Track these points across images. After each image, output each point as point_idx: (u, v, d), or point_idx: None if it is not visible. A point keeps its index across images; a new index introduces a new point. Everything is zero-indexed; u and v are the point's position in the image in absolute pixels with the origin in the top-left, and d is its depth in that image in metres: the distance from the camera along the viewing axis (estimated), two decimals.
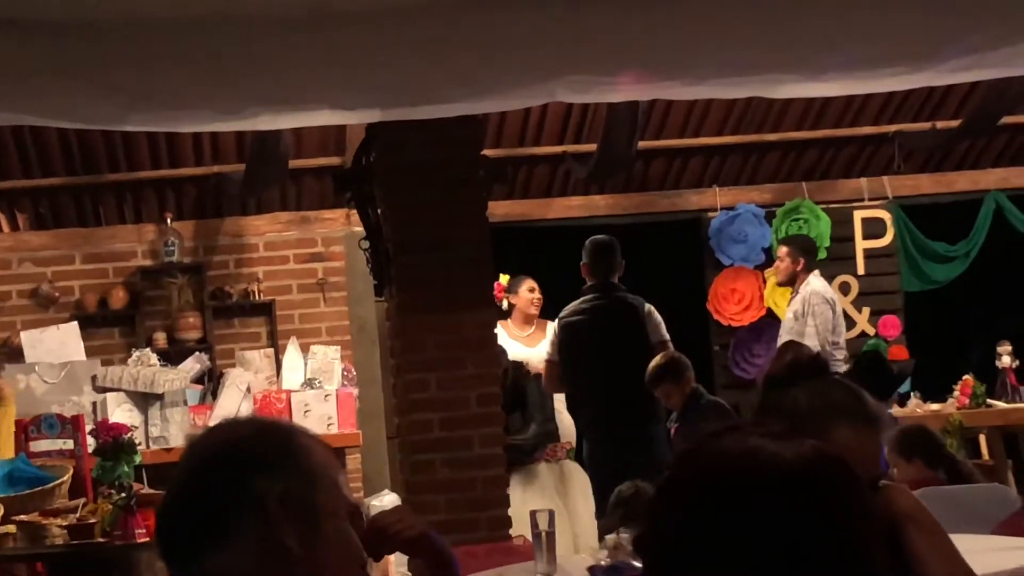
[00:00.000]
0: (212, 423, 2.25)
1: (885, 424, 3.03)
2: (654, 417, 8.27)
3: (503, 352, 8.61)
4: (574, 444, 8.83)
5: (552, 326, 8.75)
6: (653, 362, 8.03)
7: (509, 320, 9.54)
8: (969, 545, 4.69)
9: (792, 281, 9.46)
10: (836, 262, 10.78)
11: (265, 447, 2.04)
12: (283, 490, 1.99)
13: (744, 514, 1.68)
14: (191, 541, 1.99)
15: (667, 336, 8.51)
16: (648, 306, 8.55)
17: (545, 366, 8.68)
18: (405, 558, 7.62)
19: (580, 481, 8.49)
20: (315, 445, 2.10)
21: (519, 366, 8.48)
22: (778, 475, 1.71)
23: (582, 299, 8.55)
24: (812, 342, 8.85)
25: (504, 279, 9.68)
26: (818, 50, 5.61)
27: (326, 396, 9.42)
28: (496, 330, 9.04)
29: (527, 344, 9.30)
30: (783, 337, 9.04)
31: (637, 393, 8.15)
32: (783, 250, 9.57)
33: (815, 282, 9.49)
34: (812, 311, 9.27)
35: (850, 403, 3.01)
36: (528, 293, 9.50)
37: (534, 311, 9.49)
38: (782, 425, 1.80)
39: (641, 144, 9.35)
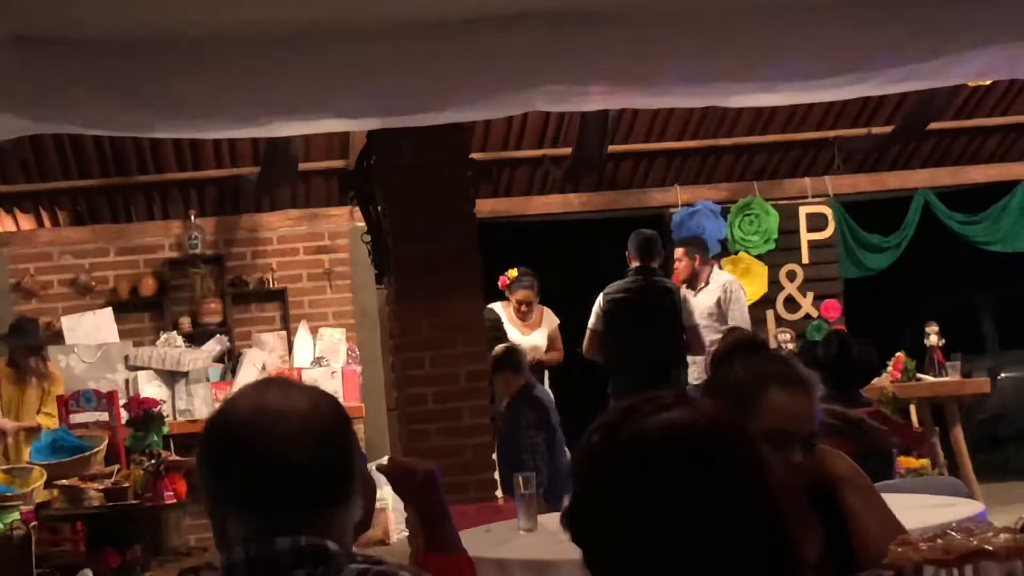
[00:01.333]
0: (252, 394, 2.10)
1: (815, 386, 3.02)
2: (677, 384, 8.23)
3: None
4: None
5: (598, 300, 8.69)
6: (496, 351, 7.99)
7: (510, 307, 9.49)
8: (902, 502, 4.69)
9: (695, 277, 9.43)
10: (784, 252, 10.78)
11: (349, 423, 2.04)
12: (360, 457, 2.05)
13: (652, 477, 1.66)
14: (320, 504, 1.94)
15: (696, 321, 8.54)
16: (683, 292, 8.62)
17: (588, 335, 8.65)
18: (404, 518, 7.60)
19: None
20: None
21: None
22: (683, 438, 1.69)
23: (627, 279, 8.55)
24: (739, 324, 8.89)
25: (512, 274, 9.54)
26: (767, 64, 5.61)
27: (333, 373, 9.43)
28: (499, 311, 9.13)
29: (523, 331, 9.25)
30: (703, 323, 9.01)
31: (665, 363, 8.20)
32: (679, 251, 9.53)
33: (724, 273, 9.53)
34: (734, 297, 9.29)
35: (779, 369, 2.99)
36: (516, 303, 9.35)
37: (517, 317, 9.39)
38: (674, 397, 1.78)
39: (611, 148, 9.35)
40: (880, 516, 2.91)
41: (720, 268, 9.63)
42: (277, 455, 1.93)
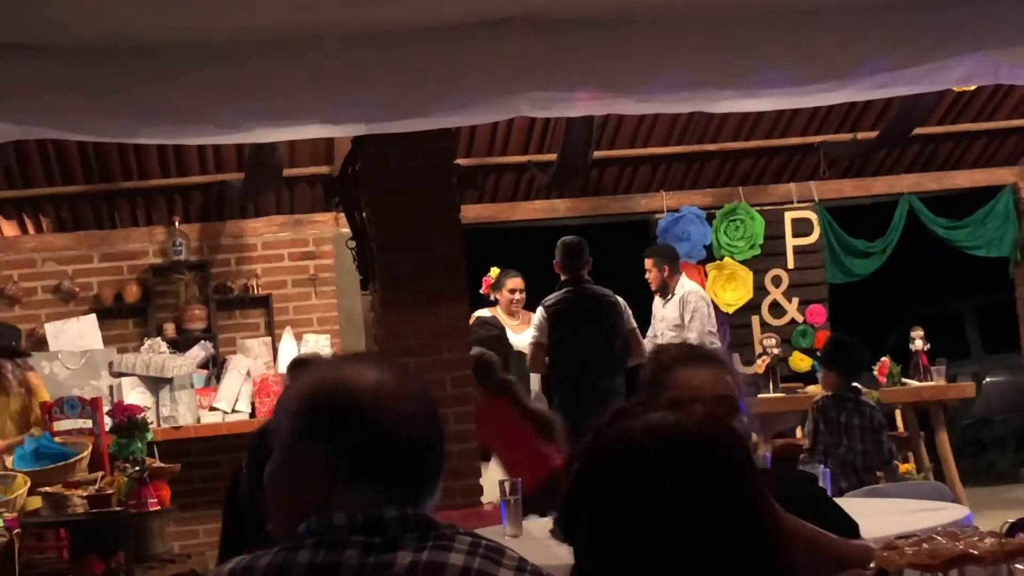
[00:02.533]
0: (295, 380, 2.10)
1: (723, 360, 3.25)
2: (612, 393, 8.23)
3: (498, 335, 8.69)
4: None
5: (539, 312, 8.71)
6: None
7: (499, 308, 9.52)
8: (887, 507, 4.70)
9: (665, 287, 9.49)
10: (769, 257, 10.81)
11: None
12: None
13: (658, 480, 1.68)
14: (434, 478, 2.01)
15: (634, 324, 8.59)
16: (619, 298, 8.62)
17: (531, 348, 8.67)
18: None
19: None
20: None
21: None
22: (682, 441, 1.71)
23: (563, 290, 8.57)
24: (693, 336, 8.98)
25: (494, 272, 9.62)
26: (752, 70, 5.63)
27: None
28: (488, 316, 9.14)
29: (515, 331, 9.26)
30: (670, 334, 9.12)
31: (606, 370, 8.22)
32: (648, 262, 9.59)
33: (688, 283, 9.57)
34: (693, 308, 9.34)
35: (682, 351, 3.32)
36: (509, 293, 9.45)
37: (515, 309, 9.45)
38: (663, 400, 1.83)
39: (596, 153, 9.35)
40: None
41: (686, 277, 9.70)
42: (405, 430, 1.98)
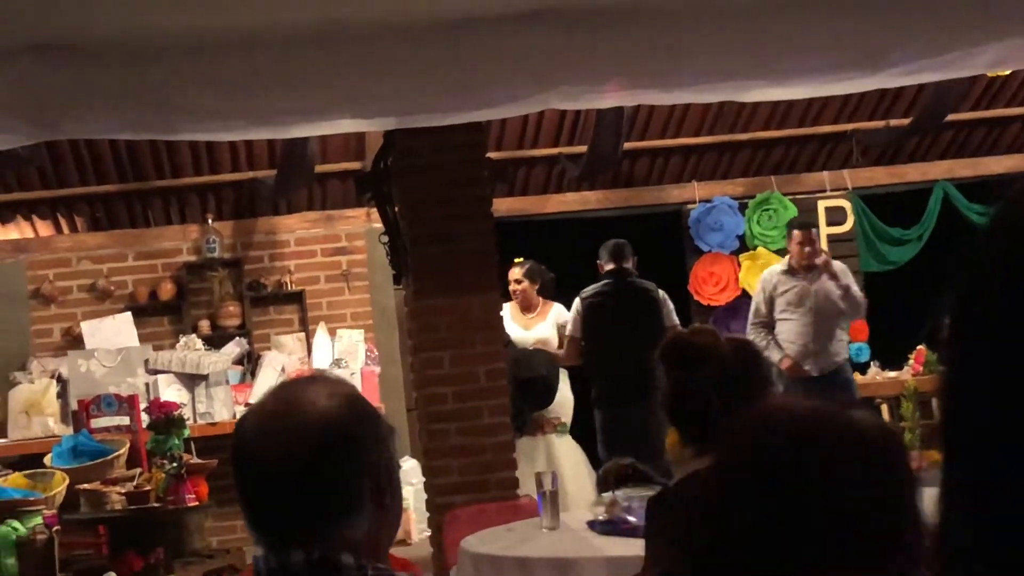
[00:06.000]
0: (270, 396, 2.08)
1: None
2: (650, 389, 8.14)
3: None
4: (564, 420, 8.56)
5: (575, 304, 8.66)
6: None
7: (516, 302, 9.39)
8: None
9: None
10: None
11: (365, 423, 1.99)
12: (383, 461, 1.99)
13: (827, 479, 1.56)
14: (324, 519, 1.93)
15: (676, 320, 8.50)
16: (661, 292, 8.58)
17: (567, 341, 8.63)
18: (426, 517, 7.62)
19: (569, 457, 8.37)
20: (368, 402, 2.09)
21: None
22: (862, 439, 1.60)
23: (602, 282, 8.55)
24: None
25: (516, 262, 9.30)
26: (783, 58, 5.61)
27: (352, 374, 9.44)
28: (504, 309, 9.05)
29: (525, 327, 9.13)
30: None
31: (646, 365, 8.14)
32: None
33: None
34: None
35: None
36: (513, 283, 9.05)
37: (520, 302, 9.11)
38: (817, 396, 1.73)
39: (627, 145, 9.34)
40: None
41: (723, 268, 9.60)
42: (273, 473, 1.95)
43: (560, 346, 8.87)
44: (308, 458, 1.93)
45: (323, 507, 1.93)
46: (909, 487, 1.60)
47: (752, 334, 8.94)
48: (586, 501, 6.31)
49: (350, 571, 1.90)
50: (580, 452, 8.43)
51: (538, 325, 9.00)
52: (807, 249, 9.07)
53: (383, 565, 1.96)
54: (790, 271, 9.20)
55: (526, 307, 9.10)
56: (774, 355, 8.81)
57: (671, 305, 8.58)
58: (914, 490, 1.60)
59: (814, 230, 9.42)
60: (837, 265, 9.21)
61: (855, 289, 9.16)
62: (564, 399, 8.59)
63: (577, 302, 8.60)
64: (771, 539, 1.54)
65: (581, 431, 8.64)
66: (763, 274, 9.49)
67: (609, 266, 8.59)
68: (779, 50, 5.59)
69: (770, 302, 9.20)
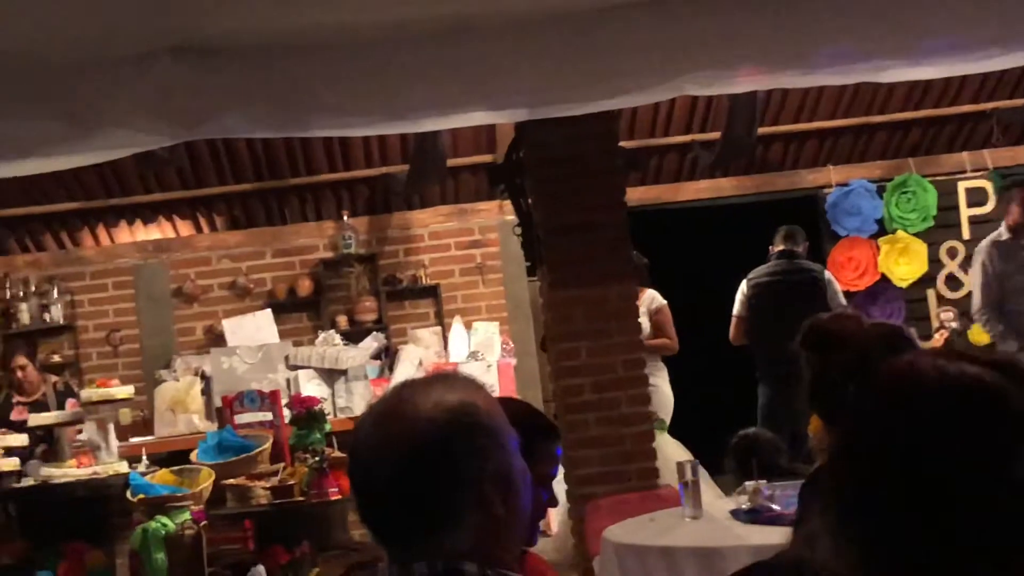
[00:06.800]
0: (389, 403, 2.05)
1: None
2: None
3: None
4: (662, 416, 8.34)
5: (742, 286, 8.66)
6: None
7: None
8: None
9: None
10: (942, 229, 10.56)
11: (467, 434, 1.92)
12: (491, 473, 1.92)
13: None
14: (416, 531, 1.91)
15: (843, 300, 8.50)
16: (828, 274, 8.54)
17: (733, 321, 8.65)
18: (566, 508, 7.62)
19: (670, 455, 8.25)
20: (492, 407, 1.99)
21: None
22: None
23: (771, 263, 8.56)
24: None
25: None
26: (920, 37, 5.50)
27: (488, 367, 9.49)
28: (637, 300, 8.98)
29: None
30: None
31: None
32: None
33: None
34: None
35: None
36: None
37: None
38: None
39: (761, 130, 9.24)
40: None
41: (862, 252, 9.41)
42: (370, 477, 1.95)
43: (653, 338, 8.58)
44: (399, 467, 1.91)
45: (414, 516, 1.91)
46: None
47: (983, 322, 8.59)
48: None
49: None
50: (681, 449, 8.22)
51: None
52: None
53: (507, 572, 1.93)
54: (1014, 234, 8.60)
55: None
56: (1010, 345, 8.29)
57: (837, 287, 8.60)
58: None
59: None
60: None
61: None
62: (663, 396, 8.45)
63: (744, 284, 8.62)
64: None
65: (683, 427, 8.50)
66: (978, 249, 8.90)
67: (779, 247, 8.59)
68: (916, 29, 5.48)
69: (999, 278, 8.54)
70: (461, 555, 1.89)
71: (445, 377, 2.04)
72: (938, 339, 9.91)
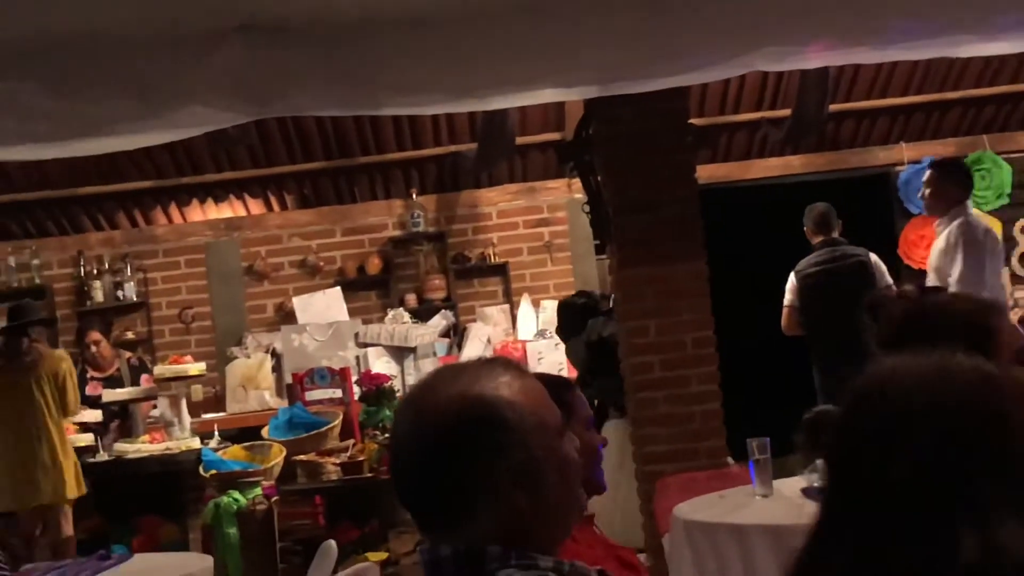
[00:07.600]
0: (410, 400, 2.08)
1: None
2: (865, 353, 8.05)
3: None
4: None
5: (791, 277, 8.61)
6: None
7: None
8: None
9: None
10: (1018, 207, 10.43)
11: (484, 427, 1.90)
12: (508, 467, 1.89)
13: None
14: (437, 517, 1.93)
15: (890, 280, 8.41)
16: (873, 256, 8.45)
17: (785, 312, 8.59)
18: (635, 487, 7.60)
19: None
20: (522, 400, 1.95)
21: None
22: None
23: (816, 254, 8.47)
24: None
25: None
26: (995, 11, 5.41)
27: (556, 344, 9.47)
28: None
29: None
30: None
31: (856, 331, 8.07)
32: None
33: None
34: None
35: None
36: None
37: None
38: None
39: (832, 107, 9.15)
40: None
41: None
42: (396, 459, 1.99)
43: None
44: (420, 454, 1.92)
45: (434, 502, 1.92)
46: None
47: None
48: None
49: (492, 562, 1.88)
50: None
51: None
52: None
53: (536, 554, 1.91)
54: None
55: None
56: None
57: (883, 267, 8.48)
58: None
59: None
60: None
61: None
62: None
63: (792, 276, 8.54)
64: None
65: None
66: None
67: (818, 238, 8.49)
68: (990, 4, 5.39)
69: None
70: (486, 539, 1.89)
71: (481, 365, 2.01)
72: (1012, 316, 9.79)
